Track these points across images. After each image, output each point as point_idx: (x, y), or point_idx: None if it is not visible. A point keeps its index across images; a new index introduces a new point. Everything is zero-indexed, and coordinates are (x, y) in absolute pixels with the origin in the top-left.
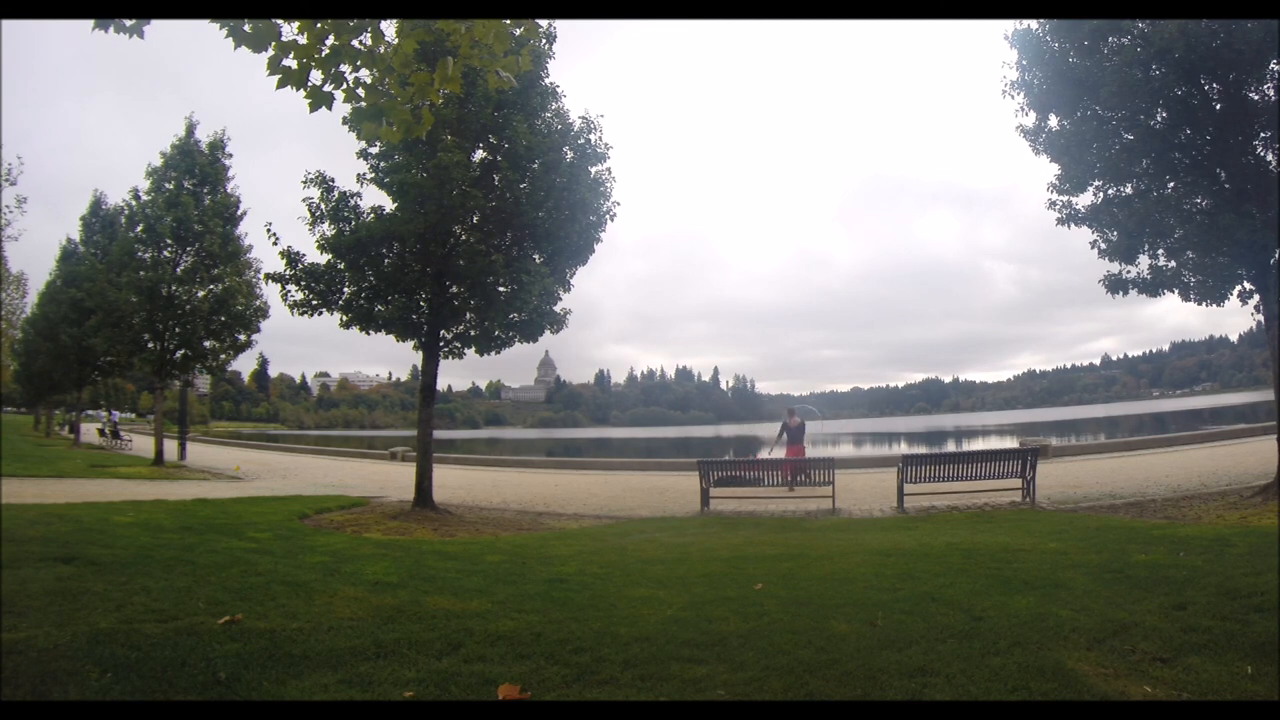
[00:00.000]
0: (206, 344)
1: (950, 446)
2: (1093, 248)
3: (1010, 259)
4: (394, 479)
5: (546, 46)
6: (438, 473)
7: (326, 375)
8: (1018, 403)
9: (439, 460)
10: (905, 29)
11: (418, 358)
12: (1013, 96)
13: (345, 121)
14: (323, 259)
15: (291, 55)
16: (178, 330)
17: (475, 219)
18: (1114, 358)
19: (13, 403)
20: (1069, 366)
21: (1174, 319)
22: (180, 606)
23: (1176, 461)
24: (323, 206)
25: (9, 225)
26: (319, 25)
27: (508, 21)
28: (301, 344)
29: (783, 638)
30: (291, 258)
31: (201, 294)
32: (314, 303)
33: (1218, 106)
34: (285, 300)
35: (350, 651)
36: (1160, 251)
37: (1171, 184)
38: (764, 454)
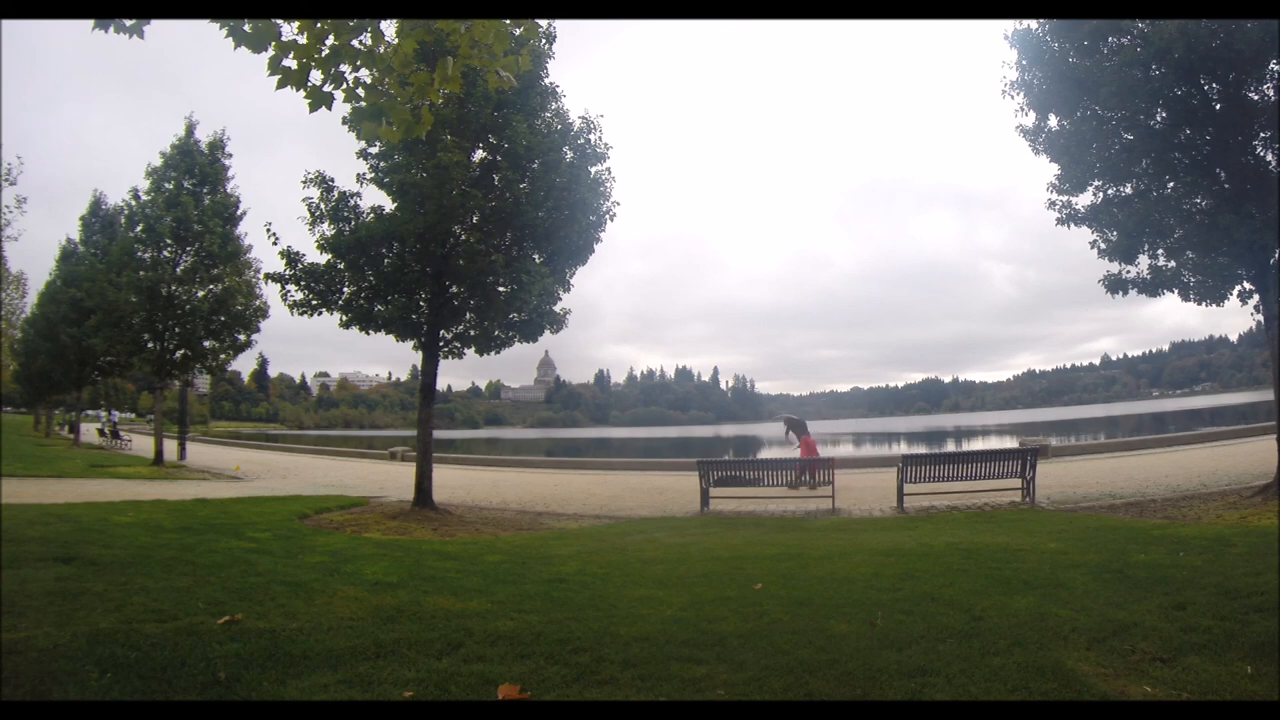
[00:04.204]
0: (206, 344)
1: (950, 446)
2: (1092, 248)
3: (1008, 259)
4: (394, 479)
5: (546, 46)
6: (437, 472)
7: (326, 375)
8: (1017, 403)
9: (439, 460)
10: (905, 29)
11: (418, 358)
12: (1012, 96)
13: (345, 121)
14: (322, 259)
15: (291, 55)
16: (177, 330)
17: (475, 219)
18: (1113, 358)
19: (13, 403)
20: (1068, 366)
21: (1173, 319)
22: (180, 606)
23: (1176, 461)
24: (322, 206)
25: (9, 225)
26: (319, 25)
27: (508, 21)
28: (301, 344)
29: (783, 638)
30: (291, 258)
31: (201, 294)
32: (314, 303)
33: (1218, 106)
34: (285, 300)
35: (350, 651)
36: (1160, 251)
37: (1171, 184)
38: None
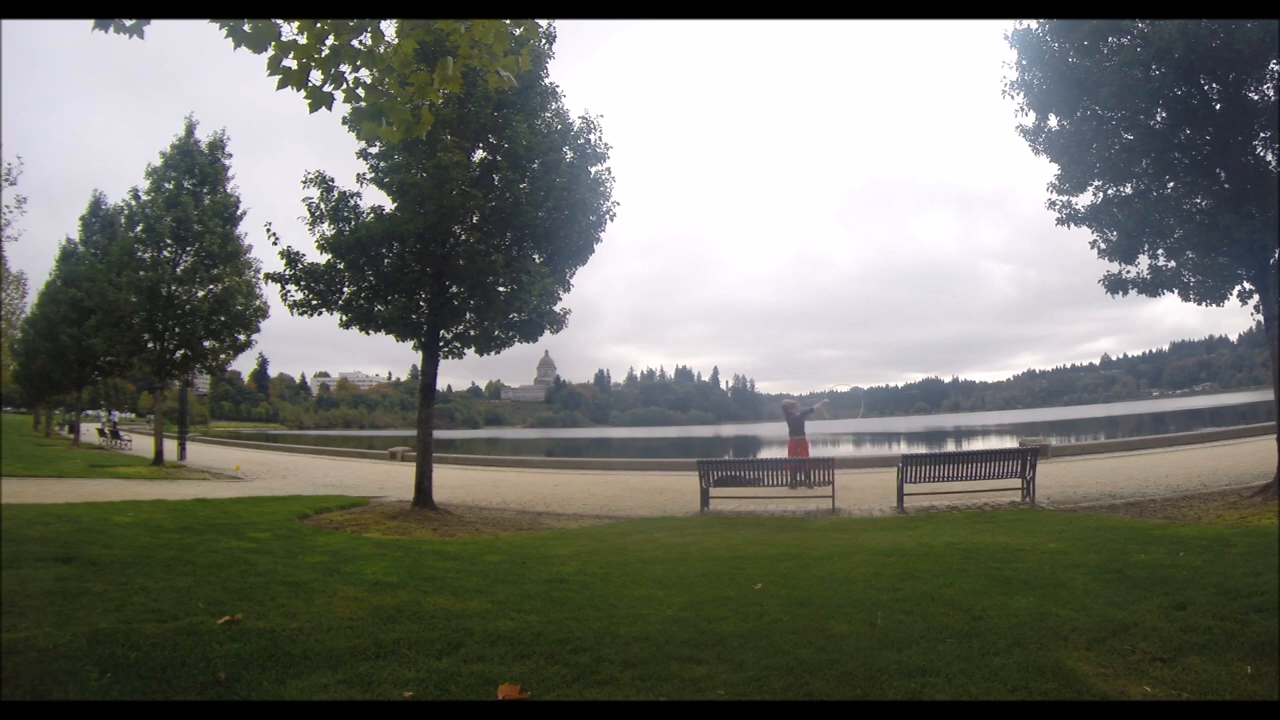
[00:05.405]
0: (206, 344)
1: (950, 446)
2: (1092, 248)
3: (1008, 259)
4: (393, 479)
5: (546, 46)
6: (437, 472)
7: (326, 375)
8: (1017, 403)
9: (439, 460)
10: (905, 29)
11: (418, 358)
12: (1012, 96)
13: (345, 121)
14: (322, 259)
15: (291, 55)
16: (177, 330)
17: (475, 219)
18: (1113, 358)
19: (13, 403)
20: (1068, 366)
21: (1173, 319)
22: (180, 606)
23: (1176, 461)
24: (322, 206)
25: (9, 225)
26: (319, 25)
27: (508, 21)
28: (301, 344)
29: (783, 638)
30: (291, 258)
31: (201, 294)
32: (314, 303)
33: (1218, 106)
34: (285, 300)
35: (350, 651)
36: (1160, 251)
37: (1171, 184)
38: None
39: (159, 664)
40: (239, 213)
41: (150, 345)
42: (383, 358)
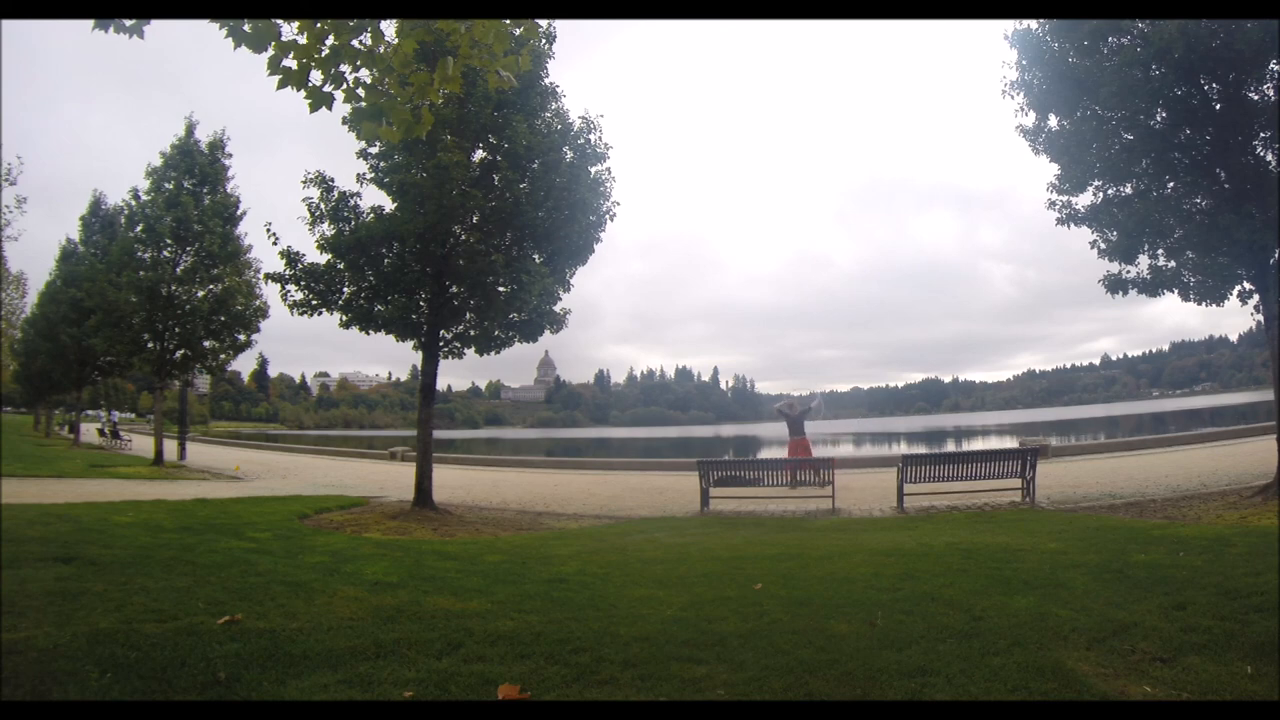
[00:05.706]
0: (206, 344)
1: (950, 446)
2: (1092, 248)
3: (1008, 259)
4: (394, 479)
5: (546, 46)
6: (437, 472)
7: (326, 375)
8: (1017, 403)
9: (439, 460)
10: (905, 29)
11: (417, 358)
12: (1012, 96)
13: (345, 121)
14: (322, 259)
15: (291, 55)
16: (177, 330)
17: (475, 219)
18: (1113, 358)
19: (13, 403)
20: (1068, 366)
21: (1173, 319)
22: (180, 606)
23: (1176, 461)
24: (322, 206)
25: (9, 225)
26: (319, 25)
27: (508, 21)
28: (301, 344)
29: (783, 638)
30: (291, 258)
31: (201, 294)
32: (314, 303)
33: (1218, 106)
34: (285, 300)
35: (350, 651)
36: (1160, 251)
37: (1171, 184)
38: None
39: (159, 664)
40: (239, 213)
41: (150, 345)
42: (383, 358)
